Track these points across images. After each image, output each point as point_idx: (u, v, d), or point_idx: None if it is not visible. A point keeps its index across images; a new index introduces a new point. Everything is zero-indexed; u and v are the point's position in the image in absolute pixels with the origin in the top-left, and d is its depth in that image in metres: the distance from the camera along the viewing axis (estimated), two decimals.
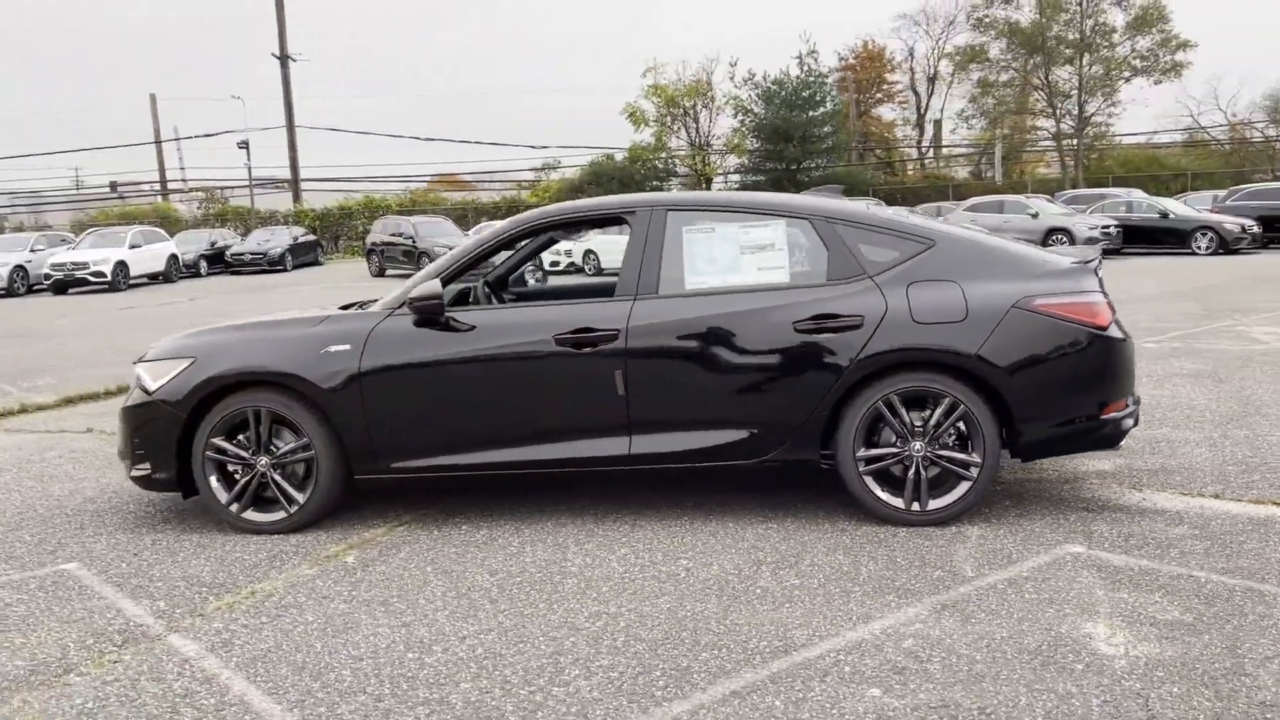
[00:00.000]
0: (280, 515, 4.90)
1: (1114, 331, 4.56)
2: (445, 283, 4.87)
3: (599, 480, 5.24)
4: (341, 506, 5.05)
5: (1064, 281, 4.60)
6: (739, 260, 4.77)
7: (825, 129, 40.15)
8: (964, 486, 4.53)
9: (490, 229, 5.16)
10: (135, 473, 5.04)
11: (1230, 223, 26.11)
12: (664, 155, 43.75)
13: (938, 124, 57.94)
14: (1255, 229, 26.18)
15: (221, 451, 4.89)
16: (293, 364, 4.81)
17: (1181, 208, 28.19)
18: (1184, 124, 48.21)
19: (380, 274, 29.23)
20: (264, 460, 4.87)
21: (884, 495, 4.58)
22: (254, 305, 19.13)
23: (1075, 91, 43.19)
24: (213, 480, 4.91)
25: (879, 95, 62.01)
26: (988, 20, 43.98)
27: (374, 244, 30.15)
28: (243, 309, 18.13)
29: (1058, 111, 43.71)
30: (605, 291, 5.00)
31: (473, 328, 4.78)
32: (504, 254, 5.85)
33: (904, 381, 4.52)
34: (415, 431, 4.80)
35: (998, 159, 45.49)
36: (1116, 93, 43.11)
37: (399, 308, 4.85)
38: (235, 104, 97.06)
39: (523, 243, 5.47)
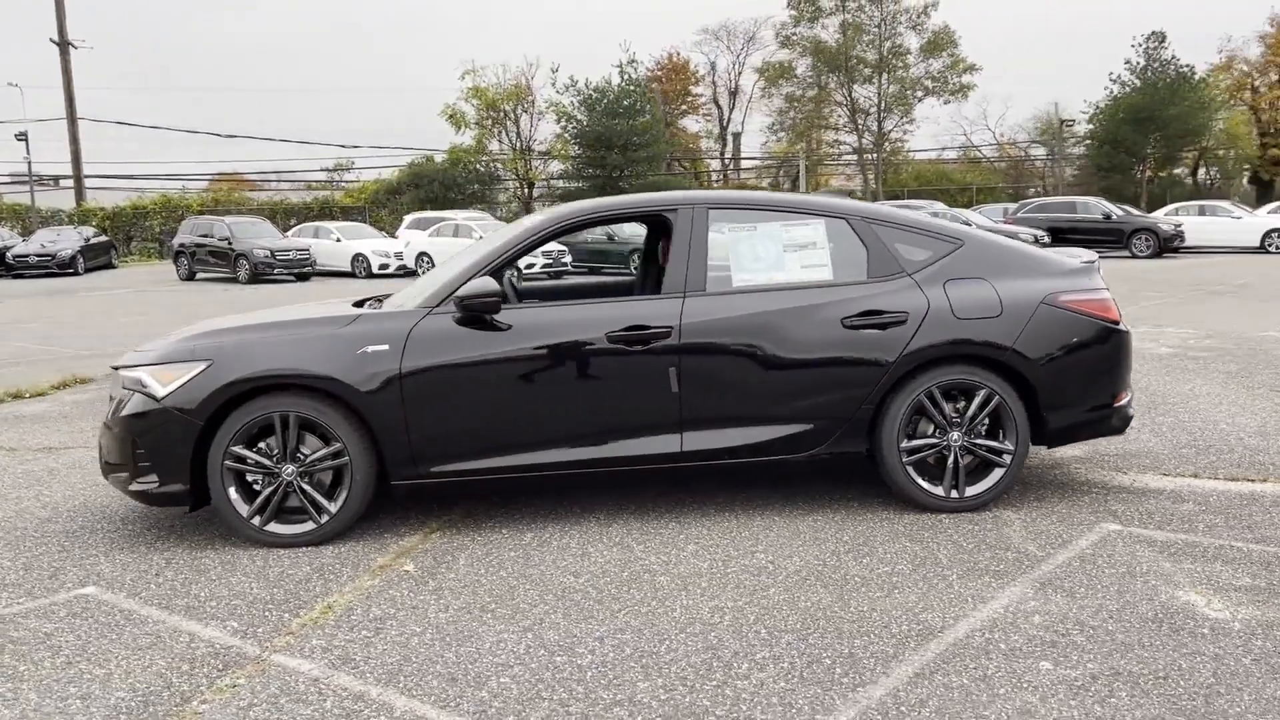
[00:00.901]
0: (308, 527, 4.62)
1: (1123, 325, 4.94)
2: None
3: (605, 481, 5.18)
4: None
5: (1080, 279, 4.96)
6: (783, 258, 4.88)
7: (646, 137, 40.81)
8: (997, 474, 4.80)
9: (524, 224, 5.02)
10: (137, 486, 4.63)
11: (1025, 233, 28.27)
12: (485, 159, 43.31)
13: (736, 136, 60.14)
14: (1046, 239, 28.52)
15: (241, 460, 4.56)
16: (328, 366, 4.55)
17: (981, 219, 30.36)
18: (958, 141, 52.20)
19: (190, 277, 27.74)
20: (290, 469, 4.58)
21: (925, 484, 4.78)
22: (65, 312, 17.68)
23: (875, 109, 45.78)
24: (232, 492, 4.58)
25: (684, 107, 63.72)
26: (795, 38, 46.02)
27: (182, 246, 28.61)
28: (51, 315, 16.75)
29: (859, 127, 46.22)
30: (616, 290, 4.99)
31: (510, 326, 4.67)
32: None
33: (944, 375, 4.75)
34: (459, 435, 4.64)
35: (802, 171, 47.58)
36: (912, 111, 46.03)
37: (438, 305, 4.67)
38: (13, 92, 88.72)
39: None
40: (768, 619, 3.63)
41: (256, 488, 4.63)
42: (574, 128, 41.58)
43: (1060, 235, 29.40)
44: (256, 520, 4.60)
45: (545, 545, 4.54)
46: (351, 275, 28.51)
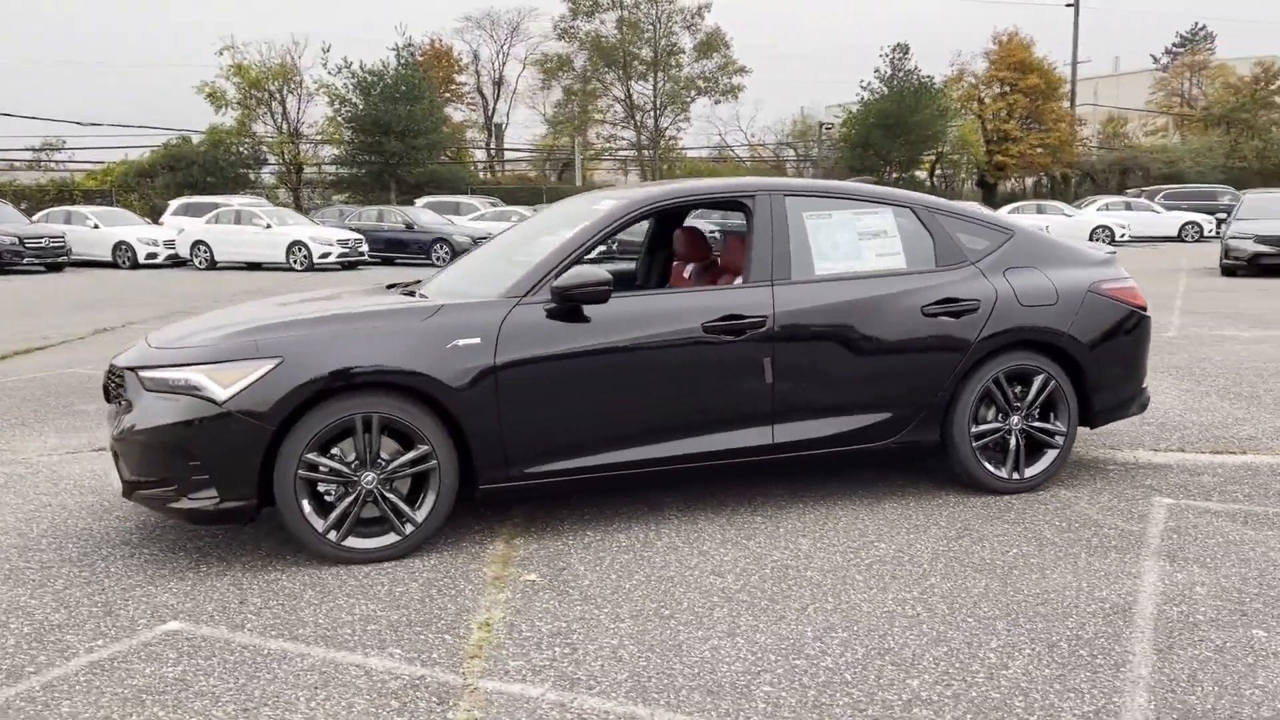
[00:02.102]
0: (391, 540, 4.19)
1: (1148, 312, 5.30)
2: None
3: (651, 479, 4.98)
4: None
5: (1113, 269, 5.27)
6: (859, 246, 4.89)
7: (426, 124, 39.66)
8: (1051, 455, 5.03)
9: (601, 210, 4.71)
10: (188, 504, 4.04)
11: None
12: (249, 141, 40.65)
13: (498, 127, 59.75)
14: None
15: (313, 469, 4.07)
16: (418, 361, 4.14)
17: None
18: (715, 141, 54.32)
19: None
20: (370, 476, 4.13)
21: (991, 468, 4.94)
22: None
23: (651, 106, 46.73)
24: (306, 505, 4.07)
25: (447, 95, 62.51)
26: (572, 31, 46.14)
27: None
28: None
29: (637, 123, 47.03)
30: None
31: (591, 318, 4.42)
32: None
33: (1009, 361, 4.92)
34: (554, 432, 4.35)
35: (577, 165, 47.88)
36: (687, 109, 47.34)
37: (527, 295, 4.35)
38: None
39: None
40: (961, 607, 3.63)
41: (328, 499, 4.14)
42: (348, 111, 39.79)
43: None
44: (333, 535, 4.12)
45: (649, 546, 4.33)
46: (114, 265, 26.11)
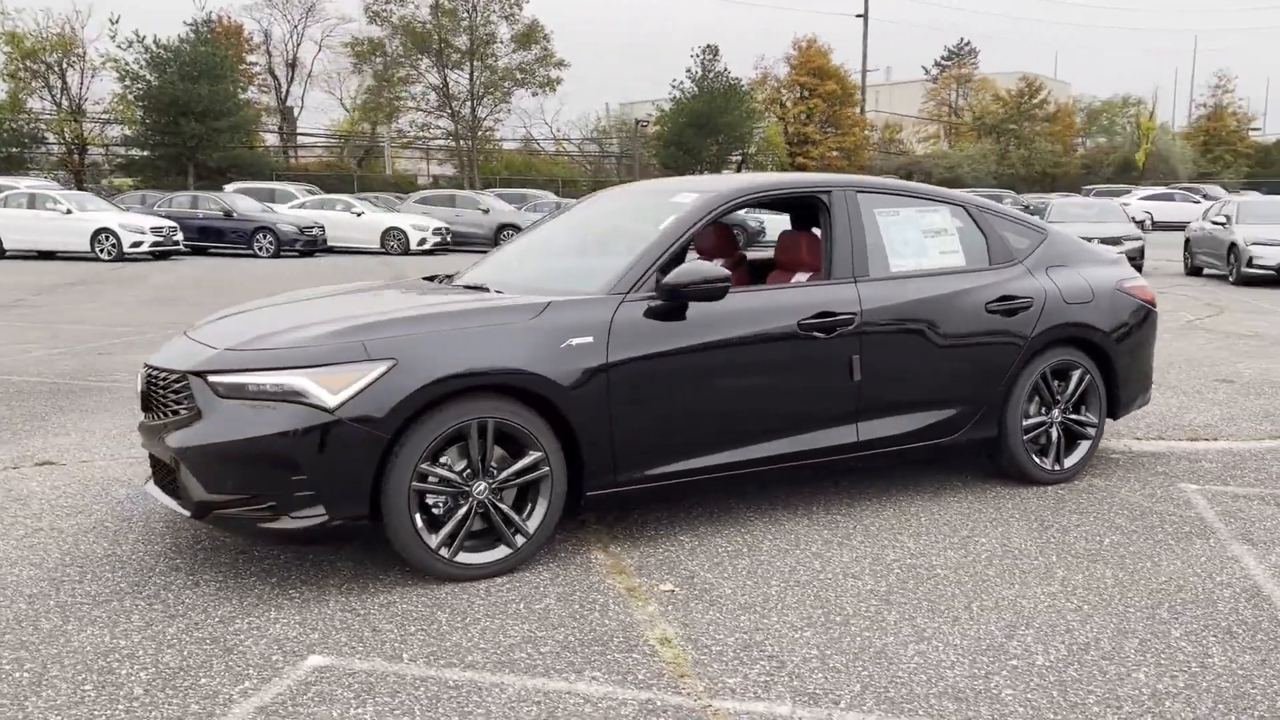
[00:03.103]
0: (502, 553, 3.90)
1: (1156, 309, 5.62)
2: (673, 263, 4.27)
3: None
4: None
5: (1127, 268, 5.56)
6: (924, 244, 4.94)
7: (228, 105, 37.35)
8: (1085, 445, 5.26)
9: (688, 204, 4.50)
10: (290, 523, 3.63)
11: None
12: (23, 118, 37.02)
13: (290, 111, 57.20)
14: None
15: (424, 479, 3.74)
16: (535, 362, 3.88)
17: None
18: (520, 135, 53.95)
19: None
20: (481, 486, 3.83)
21: (1037, 459, 5.11)
22: None
23: (467, 95, 45.76)
24: (419, 519, 3.73)
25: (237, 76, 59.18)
26: (385, 14, 44.51)
27: None
28: None
29: (454, 112, 45.92)
30: None
31: (689, 316, 4.26)
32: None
33: (1054, 357, 5.11)
34: (659, 435, 4.18)
35: (386, 153, 46.41)
36: (505, 100, 46.64)
37: (630, 291, 4.14)
38: None
39: None
40: (1111, 598, 3.72)
41: (436, 511, 3.81)
42: (140, 89, 36.91)
43: None
44: (444, 551, 3.79)
45: (755, 549, 4.23)
46: None
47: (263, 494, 3.64)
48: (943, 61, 77.21)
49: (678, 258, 4.36)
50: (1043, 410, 5.13)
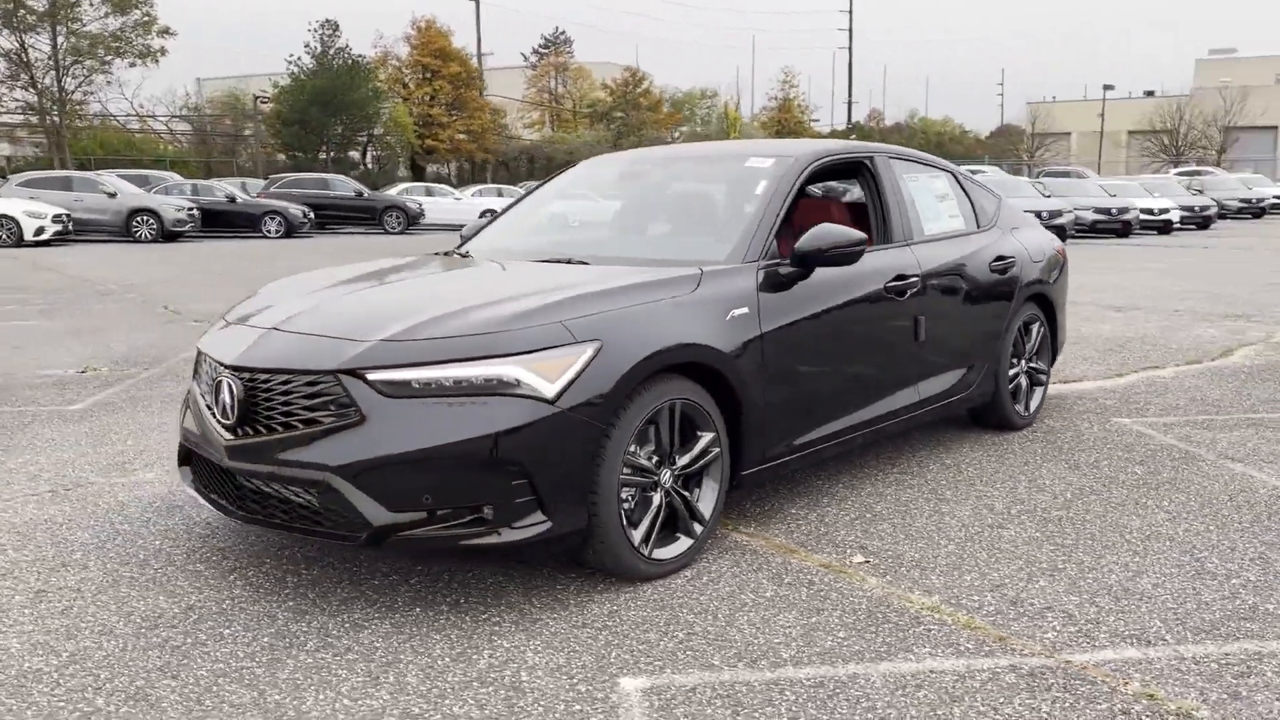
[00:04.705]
0: (685, 545, 3.63)
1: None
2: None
3: None
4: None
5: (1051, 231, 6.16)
6: (938, 208, 5.15)
7: None
8: (1040, 392, 5.80)
9: (772, 169, 4.30)
10: (514, 535, 3.13)
11: (294, 209, 28.30)
12: None
13: None
14: (311, 215, 28.91)
15: (627, 471, 3.39)
16: (713, 337, 3.64)
17: (244, 194, 29.41)
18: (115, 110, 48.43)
19: None
20: (667, 475, 3.53)
21: (1017, 408, 5.54)
22: None
23: (52, 64, 39.94)
24: (623, 516, 3.37)
25: None
26: None
27: None
28: None
29: (34, 82, 39.85)
30: None
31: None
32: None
33: (1026, 310, 5.56)
34: (795, 406, 4.06)
35: None
36: (103, 71, 41.22)
37: (760, 259, 3.97)
38: None
39: None
40: (1205, 529, 4.12)
41: (627, 505, 3.45)
42: None
43: (319, 210, 29.95)
44: (644, 549, 3.44)
45: (887, 514, 4.24)
46: None
47: (471, 505, 3.08)
48: (541, 49, 79.30)
49: (783, 222, 4.22)
50: (1014, 361, 5.56)
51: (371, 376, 3.11)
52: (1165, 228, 26.78)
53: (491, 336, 3.16)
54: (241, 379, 3.27)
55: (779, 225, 4.11)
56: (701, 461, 3.62)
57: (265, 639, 3.08)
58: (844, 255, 4.01)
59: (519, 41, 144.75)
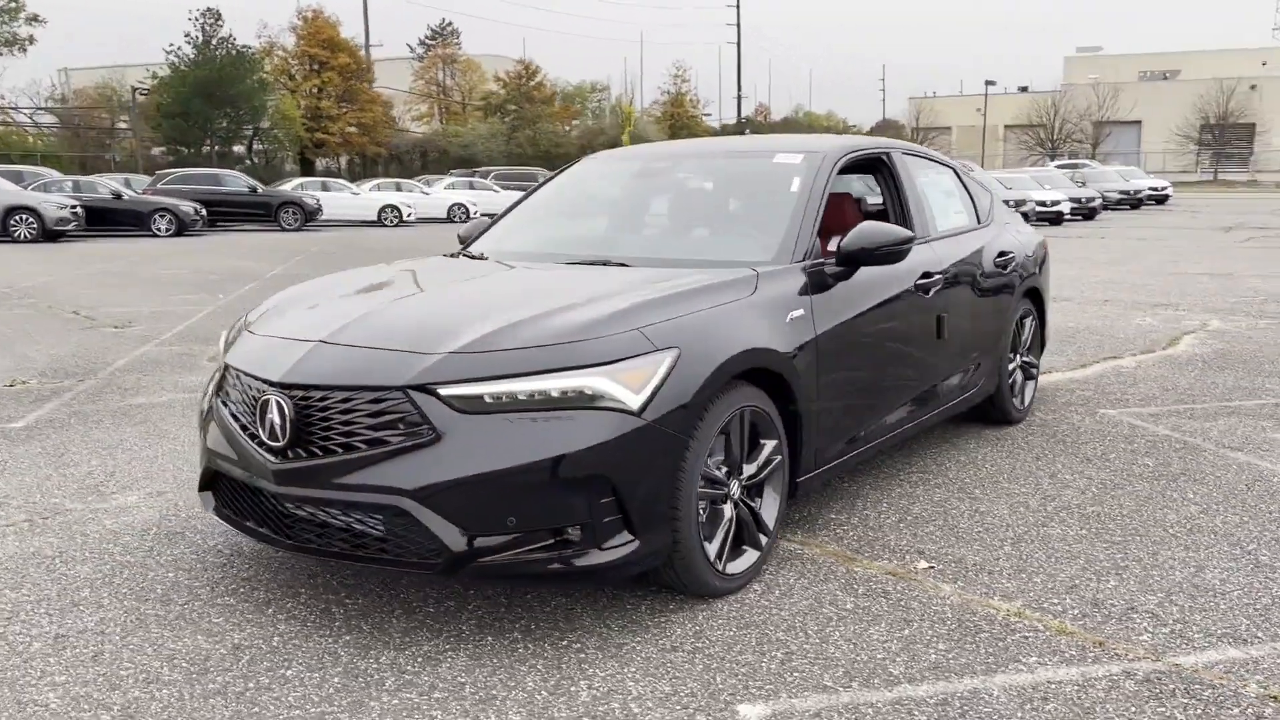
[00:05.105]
0: (754, 558, 3.50)
1: None
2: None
3: None
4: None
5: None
6: (946, 204, 5.12)
7: None
8: (1032, 385, 5.84)
9: (803, 164, 4.17)
10: (604, 557, 2.96)
11: (186, 205, 27.16)
12: None
13: None
14: (203, 211, 27.78)
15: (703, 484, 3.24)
16: (776, 341, 3.53)
17: (129, 190, 28.11)
18: None
19: None
20: (735, 486, 3.40)
21: (1015, 401, 5.57)
22: None
23: None
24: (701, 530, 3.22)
25: None
26: None
27: None
28: None
29: None
30: None
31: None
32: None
33: (1023, 305, 5.59)
34: (842, 411, 3.96)
35: None
36: None
37: (803, 260, 3.85)
38: None
39: None
40: (1260, 532, 4.14)
41: (700, 519, 3.29)
42: None
43: (211, 207, 28.76)
44: (719, 564, 3.30)
45: (929, 515, 4.17)
46: None
47: (557, 527, 2.88)
48: (428, 41, 77.98)
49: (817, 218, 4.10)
50: (1011, 355, 5.58)
51: (444, 392, 2.88)
52: (1057, 219, 27.71)
53: (570, 346, 2.97)
54: (293, 397, 3.00)
55: (812, 225, 3.99)
56: (766, 470, 3.49)
57: (335, 679, 2.83)
58: (892, 254, 3.92)
59: (405, 33, 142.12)
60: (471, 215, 34.10)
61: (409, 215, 32.25)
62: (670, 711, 2.65)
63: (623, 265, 3.87)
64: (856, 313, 3.97)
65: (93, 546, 3.86)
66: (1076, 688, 2.76)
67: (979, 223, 5.36)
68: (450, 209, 34.33)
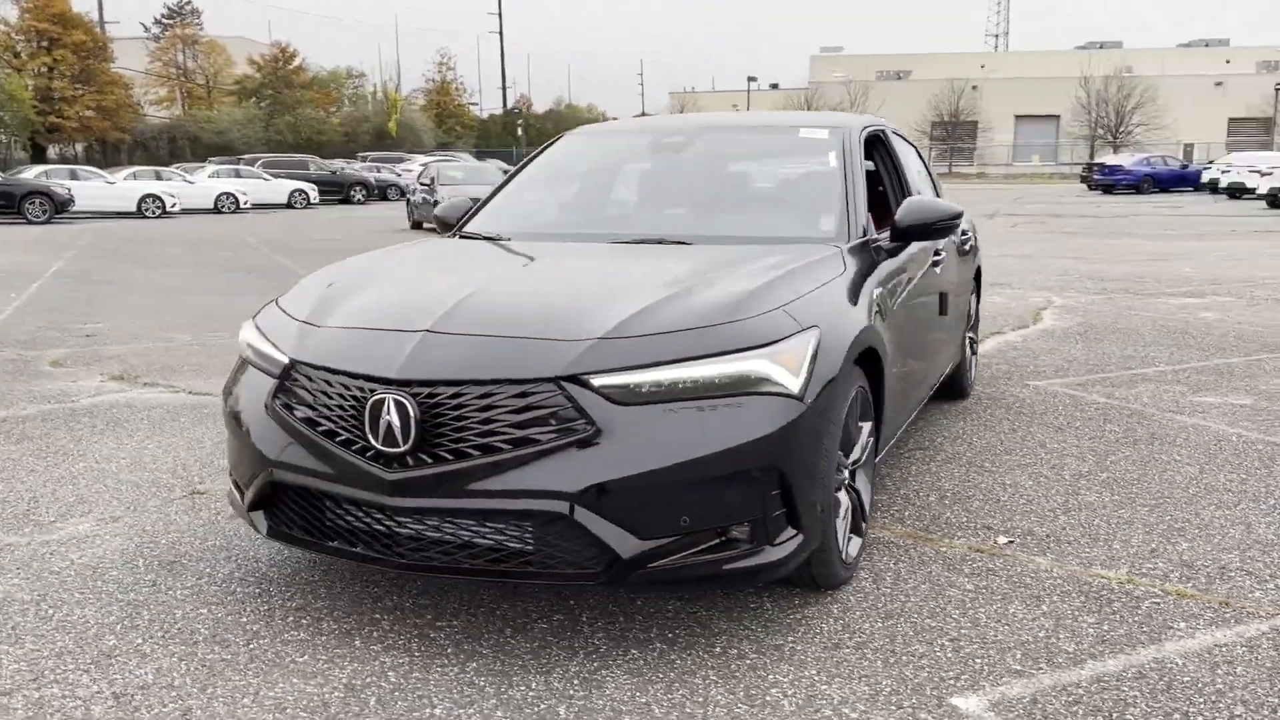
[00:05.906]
0: (858, 544, 3.35)
1: None
2: None
3: None
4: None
5: None
6: (920, 182, 5.14)
7: None
8: (975, 359, 6.00)
9: (831, 139, 4.00)
10: (775, 554, 2.73)
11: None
12: None
13: None
14: None
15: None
16: (875, 319, 3.38)
17: None
18: None
19: None
20: (845, 471, 3.25)
21: (969, 374, 5.71)
22: None
23: None
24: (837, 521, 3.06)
25: None
26: None
27: None
28: None
29: None
30: None
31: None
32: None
33: (974, 282, 5.72)
34: (902, 391, 3.88)
35: None
36: None
37: (862, 235, 3.74)
38: None
39: None
40: (1265, 491, 4.37)
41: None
42: None
43: None
44: (844, 553, 3.14)
45: (986, 494, 4.17)
46: None
47: (728, 525, 2.62)
48: (164, 20, 72.79)
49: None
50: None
51: (598, 382, 2.56)
52: None
53: (725, 328, 2.70)
54: (416, 395, 2.57)
55: (859, 200, 3.88)
56: (865, 454, 3.35)
57: (498, 714, 2.45)
58: (947, 228, 3.86)
59: (139, 11, 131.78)
60: (242, 206, 31.90)
61: (173, 206, 29.78)
62: (887, 712, 2.46)
63: (680, 244, 3.61)
64: (907, 290, 3.90)
65: (77, 585, 3.22)
66: (1245, 648, 2.78)
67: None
68: (218, 199, 31.92)
